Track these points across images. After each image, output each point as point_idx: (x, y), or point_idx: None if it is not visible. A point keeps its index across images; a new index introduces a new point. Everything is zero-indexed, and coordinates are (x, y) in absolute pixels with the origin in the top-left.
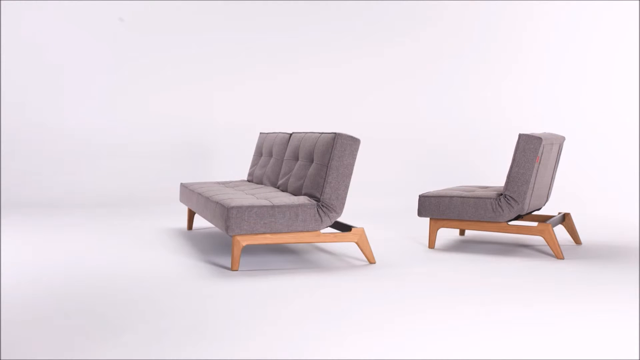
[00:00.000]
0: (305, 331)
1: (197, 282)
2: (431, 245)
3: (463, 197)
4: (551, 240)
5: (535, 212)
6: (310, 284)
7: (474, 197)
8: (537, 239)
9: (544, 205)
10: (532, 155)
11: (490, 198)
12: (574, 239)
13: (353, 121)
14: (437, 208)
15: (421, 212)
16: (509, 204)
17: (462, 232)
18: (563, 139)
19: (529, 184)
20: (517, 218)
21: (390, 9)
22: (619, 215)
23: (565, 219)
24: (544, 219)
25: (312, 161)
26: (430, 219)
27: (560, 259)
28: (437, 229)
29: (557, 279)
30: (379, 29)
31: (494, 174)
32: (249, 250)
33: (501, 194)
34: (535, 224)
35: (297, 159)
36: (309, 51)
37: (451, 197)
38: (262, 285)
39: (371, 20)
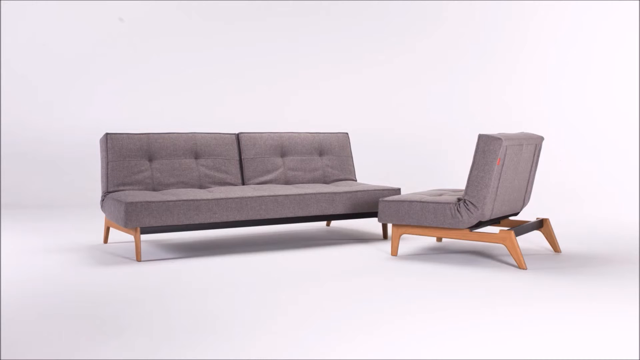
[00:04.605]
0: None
1: (197, 281)
2: (394, 252)
3: (423, 202)
4: (513, 248)
5: (514, 218)
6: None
7: (433, 202)
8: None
9: (521, 210)
10: (492, 157)
11: (450, 203)
12: (552, 247)
13: (355, 122)
14: (396, 213)
15: (381, 218)
16: (468, 209)
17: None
18: (541, 139)
19: (489, 188)
20: (497, 223)
21: (392, 10)
22: (619, 220)
23: (543, 224)
24: (519, 225)
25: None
26: (393, 225)
27: (523, 269)
28: (399, 235)
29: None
30: (379, 31)
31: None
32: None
33: (460, 199)
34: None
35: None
36: (308, 55)
37: (411, 202)
38: (260, 287)
39: (372, 21)
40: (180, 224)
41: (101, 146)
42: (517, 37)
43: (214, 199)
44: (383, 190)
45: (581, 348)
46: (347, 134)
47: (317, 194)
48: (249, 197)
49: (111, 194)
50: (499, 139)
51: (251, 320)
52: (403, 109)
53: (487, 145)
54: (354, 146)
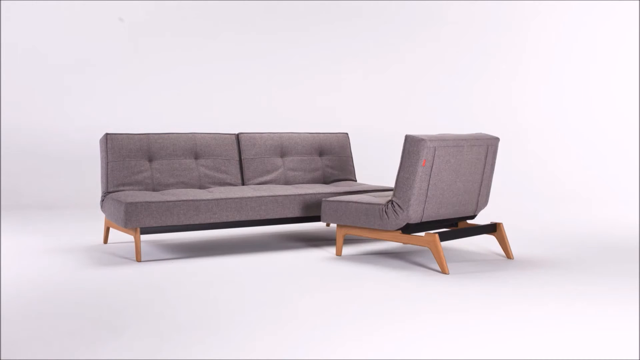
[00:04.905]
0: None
1: (197, 282)
2: (338, 252)
3: (357, 202)
4: (436, 252)
5: (472, 221)
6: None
7: (366, 203)
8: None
9: (475, 212)
10: (416, 158)
11: (380, 204)
12: (505, 253)
13: (355, 122)
14: (335, 213)
15: (323, 217)
16: (395, 211)
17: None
18: (495, 140)
19: (413, 190)
20: (454, 226)
21: (392, 11)
22: (620, 220)
23: (496, 229)
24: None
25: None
26: (337, 225)
27: (445, 273)
28: (343, 235)
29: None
30: (380, 31)
31: (495, 177)
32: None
33: (390, 201)
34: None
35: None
36: (308, 55)
37: (347, 202)
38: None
39: (372, 22)
40: (180, 224)
41: (101, 146)
42: (519, 38)
43: (214, 199)
44: (383, 190)
45: (580, 348)
46: (347, 134)
47: (317, 194)
48: (249, 198)
49: (111, 194)
50: (423, 139)
51: (251, 320)
52: (403, 109)
53: (411, 147)
54: (354, 146)
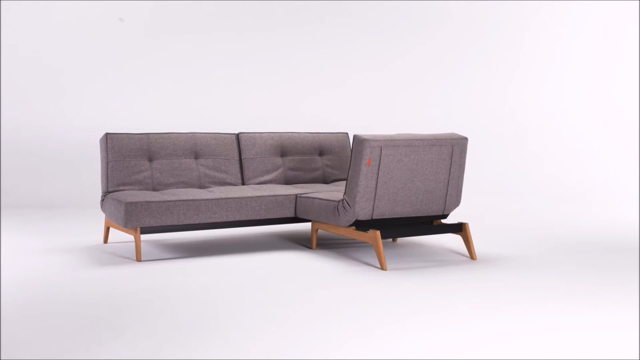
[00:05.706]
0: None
1: (197, 281)
2: (313, 246)
3: (320, 199)
4: (377, 247)
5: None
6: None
7: (325, 200)
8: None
9: (444, 211)
10: (360, 157)
11: (334, 201)
12: (469, 253)
13: (355, 121)
14: (305, 209)
15: (296, 213)
16: (344, 208)
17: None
18: (462, 140)
19: (359, 188)
20: (430, 224)
21: (392, 11)
22: (620, 220)
23: (462, 229)
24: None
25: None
26: (312, 220)
27: (384, 269)
28: (316, 230)
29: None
30: (379, 31)
31: (495, 177)
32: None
33: (342, 198)
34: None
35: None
36: (308, 54)
37: (313, 198)
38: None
39: (373, 22)
40: (180, 224)
41: (101, 146)
42: (517, 37)
43: (214, 199)
44: None
45: (580, 348)
46: (347, 134)
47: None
48: (249, 197)
49: (111, 194)
50: (366, 139)
51: (251, 320)
52: (403, 109)
53: (357, 146)
54: None
